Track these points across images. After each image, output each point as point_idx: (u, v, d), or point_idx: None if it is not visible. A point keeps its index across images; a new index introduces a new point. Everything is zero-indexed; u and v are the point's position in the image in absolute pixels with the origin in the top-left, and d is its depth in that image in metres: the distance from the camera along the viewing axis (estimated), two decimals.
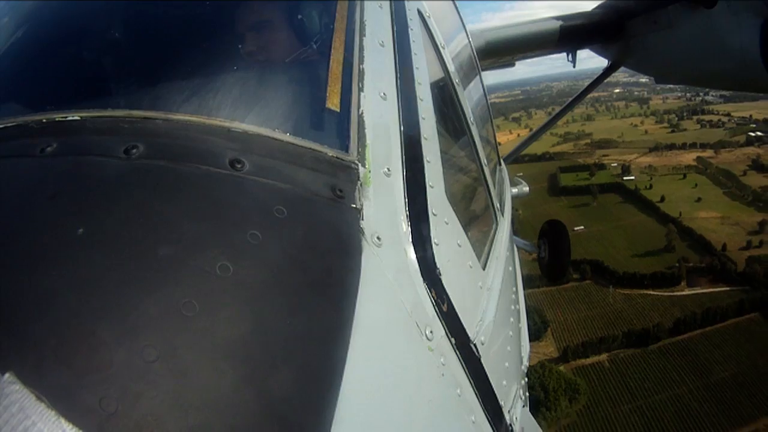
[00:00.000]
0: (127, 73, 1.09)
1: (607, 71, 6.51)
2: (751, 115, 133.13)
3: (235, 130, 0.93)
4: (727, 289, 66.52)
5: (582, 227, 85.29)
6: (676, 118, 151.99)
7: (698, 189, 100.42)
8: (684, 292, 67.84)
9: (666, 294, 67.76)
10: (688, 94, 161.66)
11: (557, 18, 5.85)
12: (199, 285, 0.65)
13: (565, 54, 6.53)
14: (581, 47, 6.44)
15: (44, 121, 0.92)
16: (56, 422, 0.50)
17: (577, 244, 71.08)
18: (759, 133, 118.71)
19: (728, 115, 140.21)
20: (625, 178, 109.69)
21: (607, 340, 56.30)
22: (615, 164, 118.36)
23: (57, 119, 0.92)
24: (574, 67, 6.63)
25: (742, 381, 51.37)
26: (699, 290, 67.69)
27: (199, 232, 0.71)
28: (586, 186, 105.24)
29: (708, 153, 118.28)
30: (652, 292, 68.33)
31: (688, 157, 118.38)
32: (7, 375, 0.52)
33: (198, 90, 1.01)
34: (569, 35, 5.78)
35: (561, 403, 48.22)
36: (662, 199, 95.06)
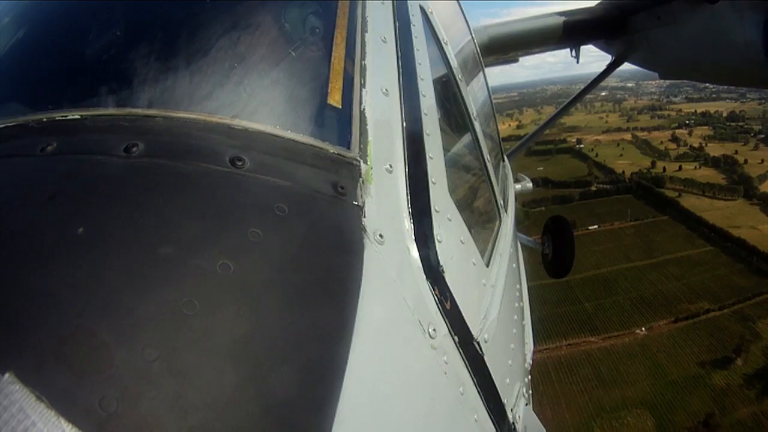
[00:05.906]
0: (127, 72, 1.04)
1: (611, 66, 6.38)
2: (696, 110, 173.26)
3: (235, 128, 0.92)
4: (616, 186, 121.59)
5: (541, 168, 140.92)
6: (636, 113, 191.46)
7: (624, 151, 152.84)
8: (592, 188, 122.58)
9: (581, 189, 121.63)
10: (662, 97, 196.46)
11: (560, 14, 5.77)
12: (200, 284, 0.64)
13: (567, 52, 6.47)
14: (584, 43, 6.33)
15: (44, 120, 0.90)
16: (56, 422, 0.49)
17: (536, 173, 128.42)
18: (691, 122, 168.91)
19: (679, 111, 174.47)
20: (577, 146, 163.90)
21: (541, 201, 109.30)
22: (573, 140, 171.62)
23: (57, 118, 0.90)
24: (578, 62, 6.54)
25: (615, 215, 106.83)
26: (601, 187, 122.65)
27: (199, 231, 0.70)
28: (549, 150, 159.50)
29: (643, 133, 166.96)
30: (573, 189, 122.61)
31: (628, 136, 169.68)
32: (7, 375, 0.51)
33: (198, 88, 0.99)
34: (572, 31, 5.68)
35: None
36: (596, 155, 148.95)
